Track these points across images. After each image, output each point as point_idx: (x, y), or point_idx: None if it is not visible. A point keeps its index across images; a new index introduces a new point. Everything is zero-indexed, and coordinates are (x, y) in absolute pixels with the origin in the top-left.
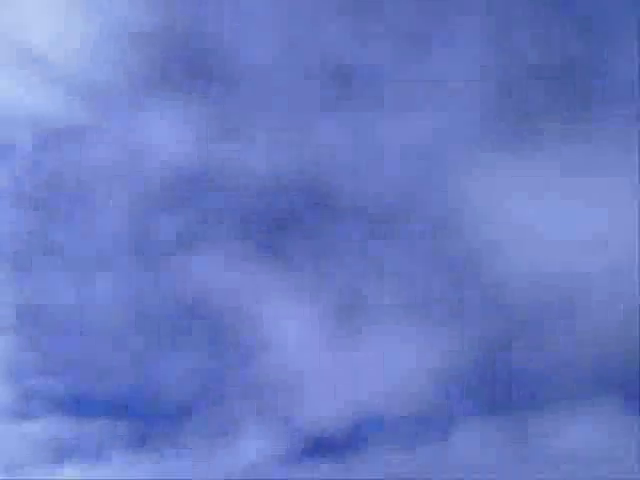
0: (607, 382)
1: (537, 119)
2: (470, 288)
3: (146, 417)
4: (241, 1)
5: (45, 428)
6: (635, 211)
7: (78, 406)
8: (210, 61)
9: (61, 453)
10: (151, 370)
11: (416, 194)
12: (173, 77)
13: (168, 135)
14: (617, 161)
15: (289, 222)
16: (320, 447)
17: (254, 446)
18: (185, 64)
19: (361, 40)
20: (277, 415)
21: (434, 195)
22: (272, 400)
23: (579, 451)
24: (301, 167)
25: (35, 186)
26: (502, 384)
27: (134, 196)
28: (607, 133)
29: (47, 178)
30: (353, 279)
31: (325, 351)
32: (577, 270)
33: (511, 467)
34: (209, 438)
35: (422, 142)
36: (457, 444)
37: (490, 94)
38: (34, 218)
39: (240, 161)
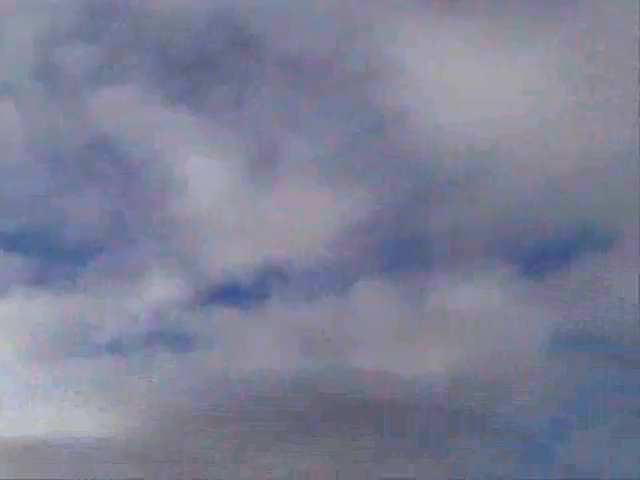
0: (504, 248)
1: None
2: (386, 146)
3: (49, 254)
4: None
5: None
6: (554, 77)
7: None
8: None
9: None
10: (57, 207)
11: (339, 48)
12: None
13: None
14: (541, 26)
15: (209, 63)
16: (226, 294)
17: (159, 290)
18: None
19: None
20: (184, 260)
21: (357, 50)
22: (180, 245)
23: (472, 311)
24: (224, 7)
25: None
26: (405, 242)
27: (43, 23)
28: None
29: None
30: (270, 128)
31: (236, 199)
32: (492, 134)
33: (408, 322)
34: (114, 280)
35: None
36: (358, 298)
37: None
38: None
39: None
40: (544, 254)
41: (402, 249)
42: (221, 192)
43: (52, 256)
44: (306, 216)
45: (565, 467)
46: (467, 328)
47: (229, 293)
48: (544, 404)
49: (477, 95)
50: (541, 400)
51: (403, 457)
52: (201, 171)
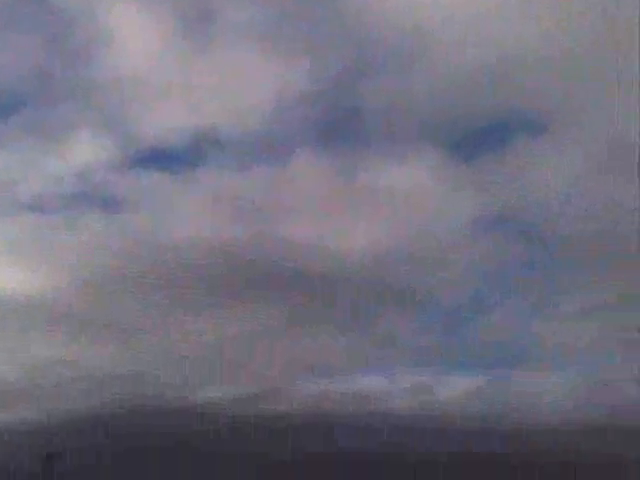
0: (438, 131)
1: None
2: (330, 12)
3: None
4: None
5: None
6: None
7: None
8: None
9: None
10: None
11: None
12: None
13: None
14: None
15: None
16: (156, 158)
17: (86, 151)
18: None
19: None
20: (112, 120)
21: None
22: (107, 104)
23: (403, 190)
24: None
25: None
26: (343, 116)
27: None
28: None
29: None
30: None
31: (169, 58)
32: (439, 15)
33: (340, 196)
34: (37, 137)
35: None
36: (292, 169)
37: None
38: None
39: None
40: (477, 139)
41: (339, 122)
42: (152, 49)
43: None
44: (243, 81)
45: (484, 344)
46: (397, 206)
47: (159, 157)
48: (466, 279)
49: None
50: (463, 275)
51: (334, 327)
52: (131, 24)
